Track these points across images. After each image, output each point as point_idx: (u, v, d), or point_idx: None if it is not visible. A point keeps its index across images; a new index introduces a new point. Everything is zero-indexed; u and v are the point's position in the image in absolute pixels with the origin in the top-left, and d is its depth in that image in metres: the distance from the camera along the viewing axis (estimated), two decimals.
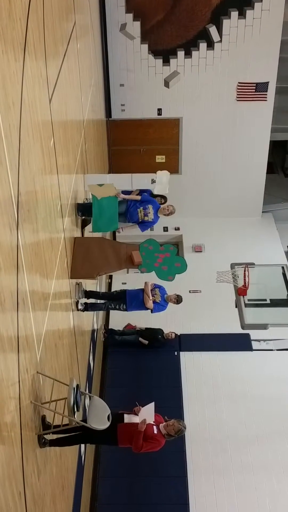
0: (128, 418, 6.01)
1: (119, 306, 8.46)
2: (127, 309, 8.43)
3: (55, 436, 5.60)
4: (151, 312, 8.45)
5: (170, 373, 10.66)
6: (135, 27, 12.70)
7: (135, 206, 8.36)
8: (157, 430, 5.98)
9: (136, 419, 5.96)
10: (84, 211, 8.13)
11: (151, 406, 5.97)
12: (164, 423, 6.06)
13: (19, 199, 4.53)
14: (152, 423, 5.99)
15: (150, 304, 8.28)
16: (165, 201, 8.79)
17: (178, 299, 8.68)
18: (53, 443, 5.53)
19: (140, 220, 8.29)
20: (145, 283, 8.46)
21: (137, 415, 5.99)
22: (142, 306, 8.37)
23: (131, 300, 8.40)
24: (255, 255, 13.11)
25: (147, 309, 8.39)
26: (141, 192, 8.61)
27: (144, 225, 8.39)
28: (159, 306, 8.41)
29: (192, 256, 13.34)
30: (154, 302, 8.33)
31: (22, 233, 4.59)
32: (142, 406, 6.04)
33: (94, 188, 8.02)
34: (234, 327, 11.65)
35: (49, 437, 5.46)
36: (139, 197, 8.44)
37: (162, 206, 8.42)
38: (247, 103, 13.44)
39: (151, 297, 8.31)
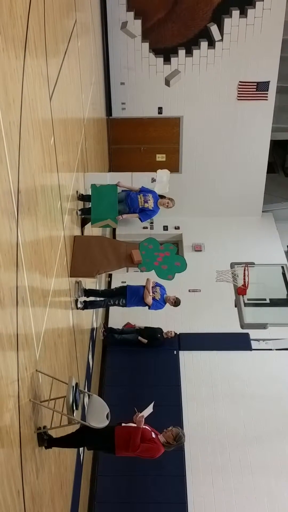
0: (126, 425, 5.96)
1: (118, 301, 8.43)
2: (126, 304, 8.41)
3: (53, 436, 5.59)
4: (148, 308, 8.43)
5: (169, 372, 10.65)
6: (136, 25, 12.68)
7: (135, 193, 8.44)
8: (156, 437, 5.89)
9: (134, 426, 5.90)
10: (85, 200, 8.26)
11: (150, 407, 5.92)
12: (163, 432, 5.94)
13: (19, 197, 4.52)
14: (150, 429, 5.94)
15: (149, 299, 8.26)
16: None
17: (176, 302, 8.62)
18: (50, 442, 5.52)
19: (140, 206, 8.30)
20: (147, 279, 8.44)
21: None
22: (141, 302, 8.35)
23: (131, 295, 8.38)
24: (255, 254, 13.14)
25: (146, 305, 8.38)
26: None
27: (145, 213, 8.39)
28: (157, 304, 8.40)
29: (192, 255, 13.32)
30: (153, 299, 8.32)
31: (22, 231, 4.58)
32: (141, 412, 5.93)
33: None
34: (233, 326, 11.67)
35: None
36: (138, 188, 8.49)
37: (161, 199, 8.46)
38: (248, 102, 13.42)
39: (151, 293, 8.30)
